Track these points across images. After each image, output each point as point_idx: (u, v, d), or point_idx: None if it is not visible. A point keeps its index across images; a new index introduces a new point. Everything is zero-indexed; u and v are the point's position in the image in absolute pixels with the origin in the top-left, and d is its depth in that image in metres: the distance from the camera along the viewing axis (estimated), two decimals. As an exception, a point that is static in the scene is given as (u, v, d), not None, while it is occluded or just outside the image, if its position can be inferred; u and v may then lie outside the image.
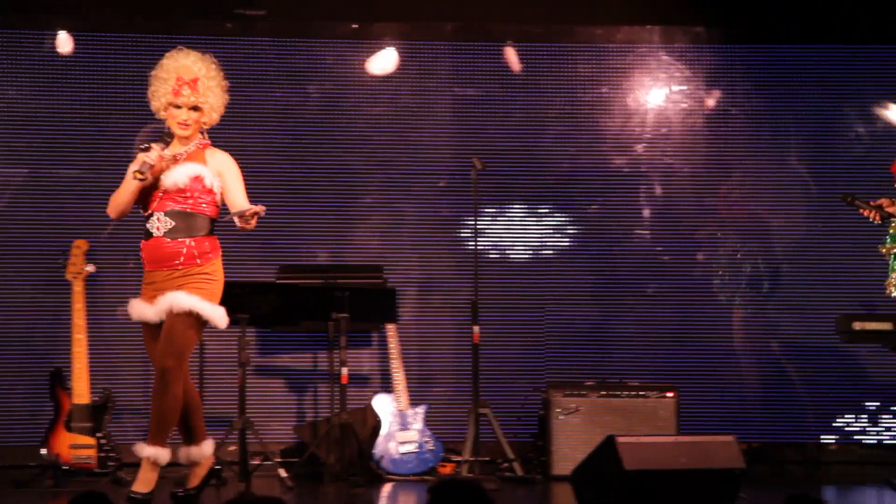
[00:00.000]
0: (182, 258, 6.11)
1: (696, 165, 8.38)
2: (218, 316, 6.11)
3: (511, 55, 8.34)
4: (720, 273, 8.29)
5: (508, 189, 8.29)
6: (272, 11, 8.23)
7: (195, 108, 6.21)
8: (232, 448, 7.51)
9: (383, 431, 7.57)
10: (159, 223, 6.15)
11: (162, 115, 6.25)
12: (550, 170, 8.32)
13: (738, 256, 8.31)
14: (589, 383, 7.66)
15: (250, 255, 8.05)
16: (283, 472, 7.08)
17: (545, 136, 8.34)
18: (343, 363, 7.36)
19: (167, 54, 6.28)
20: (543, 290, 8.26)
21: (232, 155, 8.11)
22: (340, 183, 8.22)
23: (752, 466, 6.59)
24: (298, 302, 7.24)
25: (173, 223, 6.15)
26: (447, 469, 7.62)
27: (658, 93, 8.41)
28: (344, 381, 7.34)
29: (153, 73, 6.26)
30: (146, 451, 6.22)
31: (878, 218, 6.32)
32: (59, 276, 7.44)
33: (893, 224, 6.23)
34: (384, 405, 7.65)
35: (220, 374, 7.88)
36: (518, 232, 8.29)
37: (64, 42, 7.97)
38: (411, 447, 7.54)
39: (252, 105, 8.15)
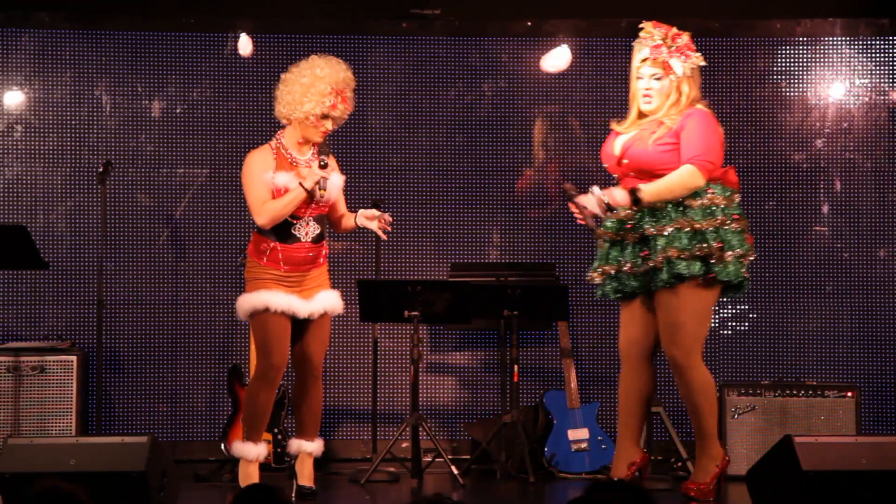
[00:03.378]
0: (322, 259, 6.35)
1: (878, 160, 8.16)
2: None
3: (686, 50, 8.21)
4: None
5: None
6: (447, 10, 8.26)
7: (333, 120, 6.32)
8: (404, 445, 7.56)
9: (555, 429, 7.54)
10: (308, 228, 6.29)
11: (305, 119, 6.29)
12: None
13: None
14: (765, 382, 7.51)
15: (423, 253, 8.11)
16: (454, 469, 7.09)
17: (721, 132, 8.20)
18: (514, 360, 7.35)
19: (314, 61, 6.32)
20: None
21: (406, 153, 8.23)
22: (513, 180, 8.21)
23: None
24: (470, 299, 7.24)
25: (319, 229, 6.30)
26: (620, 468, 7.54)
27: (839, 87, 8.21)
28: (515, 378, 7.33)
29: (300, 76, 6.30)
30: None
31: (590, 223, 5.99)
32: (237, 275, 7.58)
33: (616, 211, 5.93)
34: (556, 403, 7.61)
35: (393, 372, 7.95)
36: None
37: (245, 44, 8.11)
38: (583, 445, 7.49)
39: (427, 103, 8.21)
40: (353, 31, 8.21)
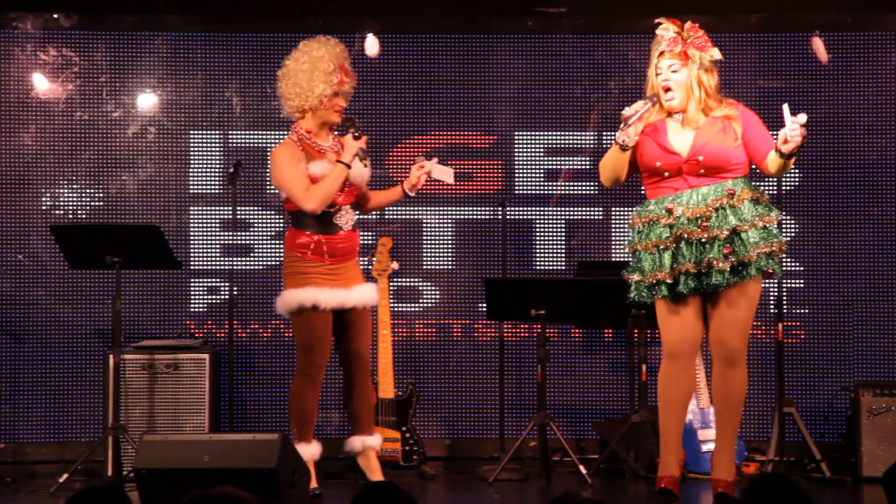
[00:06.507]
0: (358, 248, 6.28)
1: None
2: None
3: (818, 45, 8.08)
4: None
5: (814, 182, 8.06)
6: (573, 8, 8.23)
7: (344, 95, 6.28)
8: (532, 444, 7.54)
9: (685, 430, 7.45)
10: (347, 216, 6.23)
11: (319, 103, 6.21)
12: (859, 162, 8.04)
13: None
14: (901, 382, 7.39)
15: (550, 251, 8.09)
16: (582, 469, 7.05)
17: (853, 128, 8.06)
18: (643, 360, 7.29)
19: (306, 45, 6.26)
20: (851, 285, 7.99)
21: (532, 151, 8.21)
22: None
23: None
24: (597, 298, 7.19)
25: (355, 217, 6.25)
26: (751, 469, 7.43)
27: (980, 79, 8.03)
28: (643, 377, 7.27)
29: (299, 65, 6.21)
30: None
31: None
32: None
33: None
34: (685, 403, 7.52)
35: (520, 370, 7.94)
36: (823, 226, 8.03)
37: (371, 45, 8.14)
38: (713, 445, 7.38)
39: (554, 101, 8.18)
40: (477, 30, 8.22)
